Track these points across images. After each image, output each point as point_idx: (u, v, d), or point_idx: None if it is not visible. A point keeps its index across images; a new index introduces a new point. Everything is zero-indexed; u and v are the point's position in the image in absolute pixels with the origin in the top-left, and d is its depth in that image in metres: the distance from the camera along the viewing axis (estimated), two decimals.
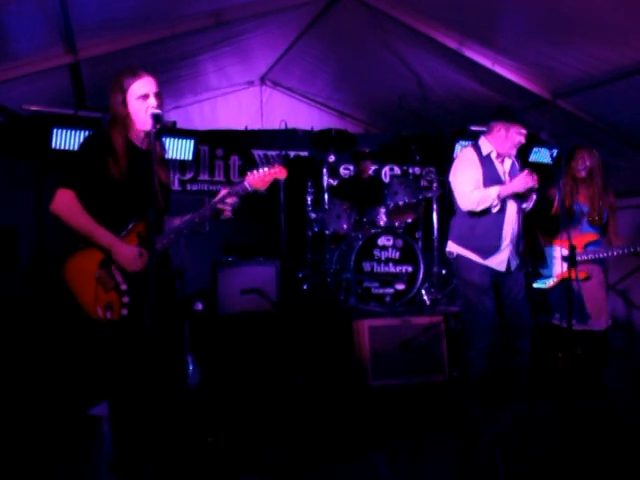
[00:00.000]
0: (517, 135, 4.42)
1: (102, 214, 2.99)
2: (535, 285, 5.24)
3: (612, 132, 6.63)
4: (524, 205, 4.56)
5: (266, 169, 3.26)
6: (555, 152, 5.96)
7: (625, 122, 6.45)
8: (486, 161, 4.50)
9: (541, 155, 7.41)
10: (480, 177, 4.45)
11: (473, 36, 5.70)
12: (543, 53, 5.59)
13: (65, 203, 2.96)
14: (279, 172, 3.29)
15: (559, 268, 5.16)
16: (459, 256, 4.54)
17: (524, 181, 4.31)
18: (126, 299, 2.94)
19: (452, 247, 4.60)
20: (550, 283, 5.17)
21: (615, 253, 5.10)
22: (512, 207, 4.46)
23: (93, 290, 2.90)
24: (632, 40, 5.01)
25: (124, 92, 3.07)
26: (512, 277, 4.50)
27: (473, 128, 7.20)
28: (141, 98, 3.07)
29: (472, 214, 4.45)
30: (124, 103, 3.08)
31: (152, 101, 3.07)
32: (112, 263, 2.99)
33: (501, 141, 4.48)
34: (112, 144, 3.05)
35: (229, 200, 3.27)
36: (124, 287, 2.94)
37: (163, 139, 3.41)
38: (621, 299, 8.01)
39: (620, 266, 8.06)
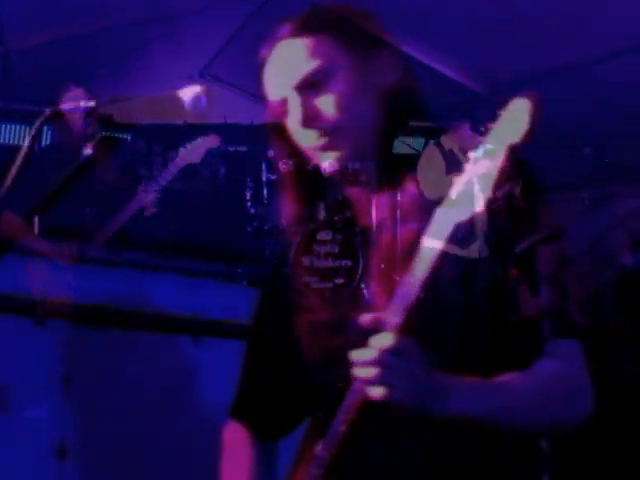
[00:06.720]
0: (480, 136, 4.47)
1: None
2: None
3: (547, 128, 6.75)
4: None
5: (199, 140, 3.24)
6: None
7: (560, 118, 6.57)
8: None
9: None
10: None
11: (410, 31, 5.72)
12: (480, 49, 5.66)
13: None
14: (212, 141, 3.28)
15: None
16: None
17: None
18: None
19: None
20: None
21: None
22: None
23: None
24: (566, 39, 5.13)
25: None
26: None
27: (412, 124, 7.24)
28: None
29: None
30: None
31: None
32: None
33: (466, 142, 4.52)
34: None
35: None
36: None
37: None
38: None
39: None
